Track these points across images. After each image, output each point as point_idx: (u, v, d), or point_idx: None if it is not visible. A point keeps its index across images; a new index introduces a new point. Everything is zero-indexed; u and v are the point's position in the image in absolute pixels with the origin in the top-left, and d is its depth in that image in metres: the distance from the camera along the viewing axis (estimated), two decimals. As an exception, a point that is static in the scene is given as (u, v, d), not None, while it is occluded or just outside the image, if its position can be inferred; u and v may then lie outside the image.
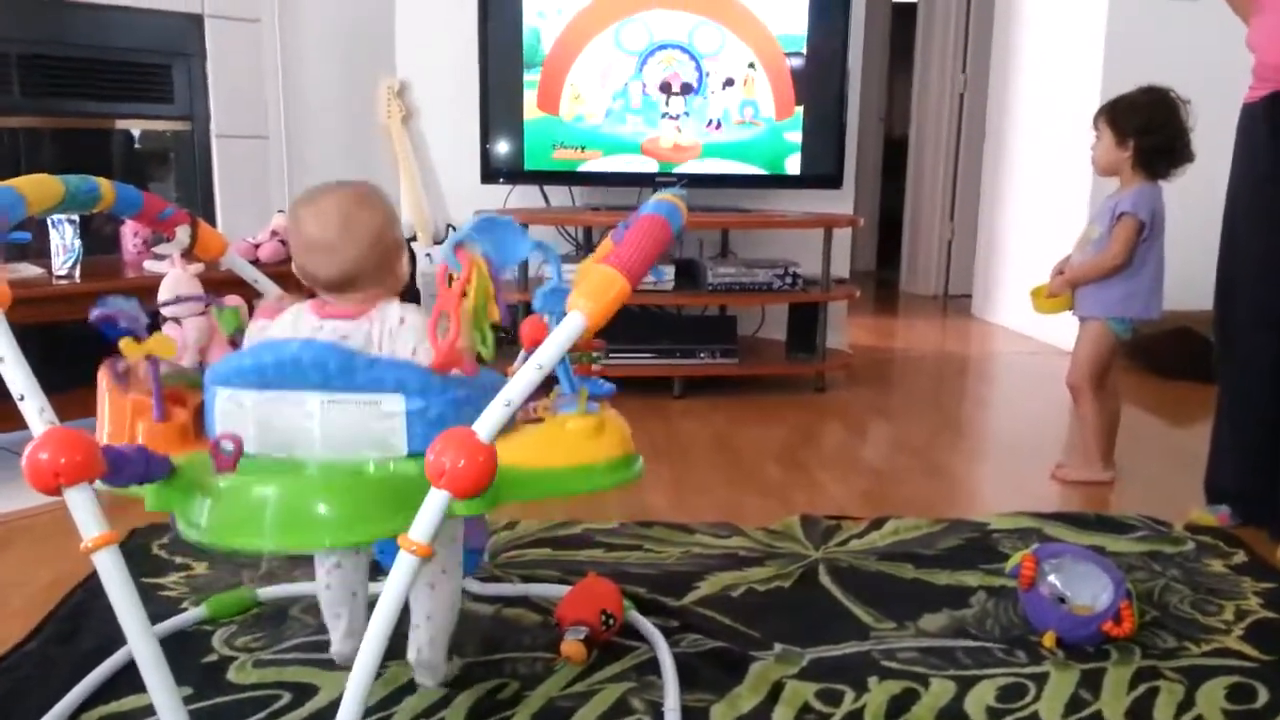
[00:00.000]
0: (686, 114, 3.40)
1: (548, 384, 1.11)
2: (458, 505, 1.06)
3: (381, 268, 1.24)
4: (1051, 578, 1.60)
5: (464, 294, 1.14)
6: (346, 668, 1.23)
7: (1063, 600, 1.58)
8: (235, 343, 1.41)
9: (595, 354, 1.29)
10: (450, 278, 1.16)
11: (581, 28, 3.33)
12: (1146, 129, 2.32)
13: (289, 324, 1.24)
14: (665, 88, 3.38)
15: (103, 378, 1.28)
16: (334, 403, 1.11)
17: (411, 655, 1.37)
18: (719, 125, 3.43)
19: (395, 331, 1.21)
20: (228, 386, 1.15)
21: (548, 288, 1.18)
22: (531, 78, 3.35)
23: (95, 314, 1.26)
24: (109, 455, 1.01)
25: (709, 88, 3.40)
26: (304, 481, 1.11)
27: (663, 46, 3.37)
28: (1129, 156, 2.35)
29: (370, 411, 1.11)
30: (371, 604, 1.09)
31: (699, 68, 3.39)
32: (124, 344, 1.24)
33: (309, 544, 1.23)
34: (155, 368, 1.24)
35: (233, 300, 1.48)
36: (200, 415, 1.23)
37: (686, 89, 3.38)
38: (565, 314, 1.04)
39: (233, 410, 1.14)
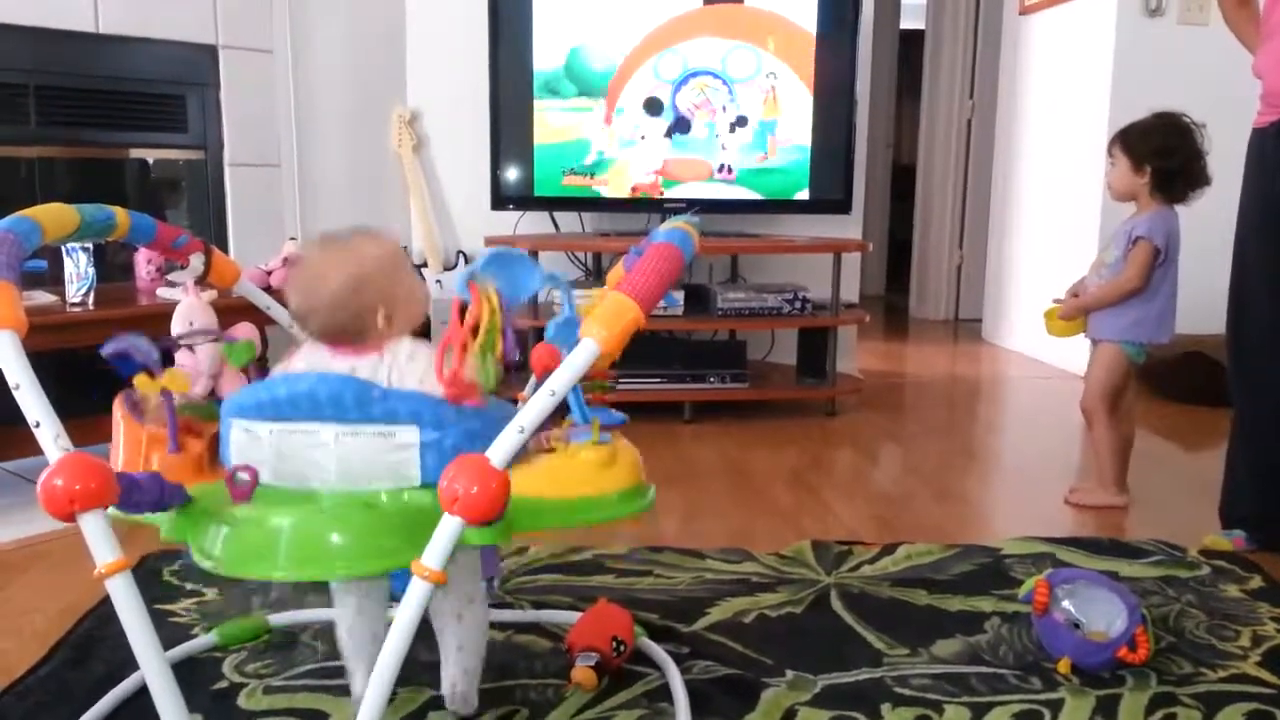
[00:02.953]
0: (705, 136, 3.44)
1: (560, 412, 1.11)
2: (472, 535, 1.06)
3: (357, 322, 1.23)
4: (1066, 603, 1.59)
5: (475, 329, 1.15)
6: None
7: (1077, 626, 1.57)
8: (247, 373, 1.42)
9: (608, 383, 1.29)
10: (464, 310, 1.17)
11: (634, 57, 3.38)
12: (1162, 154, 2.32)
13: (302, 362, 1.25)
14: (682, 126, 3.42)
15: (118, 409, 1.29)
16: (349, 434, 1.12)
17: (446, 689, 1.37)
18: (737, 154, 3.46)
19: (404, 367, 1.22)
20: (243, 418, 1.15)
21: (561, 319, 1.18)
22: (590, 103, 3.39)
23: (108, 349, 1.27)
24: (123, 482, 1.01)
25: (736, 112, 3.43)
26: (318, 513, 1.11)
27: (695, 74, 3.40)
28: (1146, 182, 2.35)
29: (385, 443, 1.12)
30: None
31: (731, 93, 3.41)
32: (139, 380, 1.25)
33: (323, 574, 1.24)
34: (170, 401, 1.25)
35: (244, 331, 1.49)
36: (215, 446, 1.23)
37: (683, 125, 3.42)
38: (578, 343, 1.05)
39: (248, 441, 1.15)
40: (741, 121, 3.43)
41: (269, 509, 1.11)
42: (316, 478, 1.14)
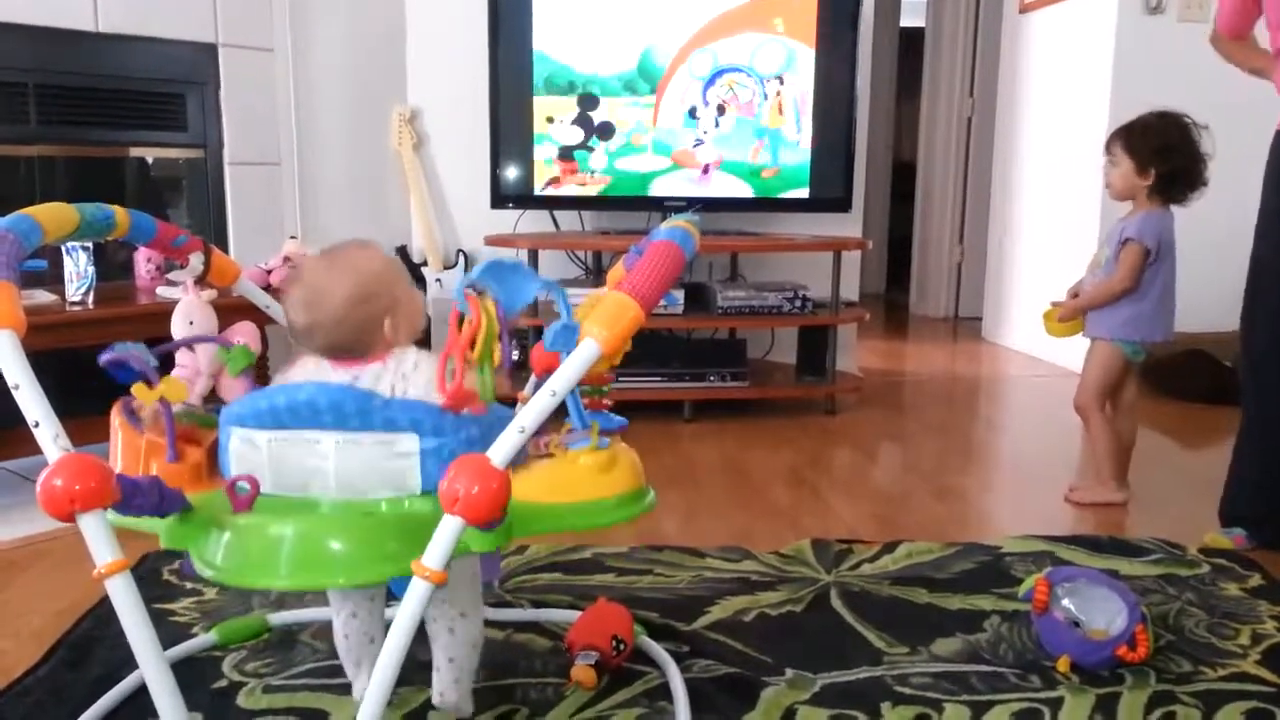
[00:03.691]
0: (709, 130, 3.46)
1: (559, 413, 1.11)
2: (472, 541, 1.06)
3: (363, 335, 1.23)
4: (1065, 602, 1.59)
5: (473, 339, 1.15)
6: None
7: (1077, 624, 1.57)
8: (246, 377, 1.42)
9: (605, 388, 1.29)
10: (462, 319, 1.17)
11: (680, 55, 3.43)
12: (1165, 156, 2.31)
13: (300, 373, 1.26)
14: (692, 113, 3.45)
15: (115, 417, 1.29)
16: (349, 443, 1.12)
17: (435, 698, 1.37)
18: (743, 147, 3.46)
19: (409, 375, 1.22)
20: (242, 427, 1.15)
21: (558, 325, 1.19)
22: (649, 100, 3.42)
23: (105, 359, 1.26)
24: (123, 484, 1.01)
25: (762, 107, 3.45)
26: (319, 521, 1.11)
27: (724, 70, 3.42)
28: (1147, 184, 2.35)
29: (384, 451, 1.12)
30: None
31: (762, 86, 3.43)
32: (137, 389, 1.24)
33: (324, 583, 1.23)
34: (168, 410, 1.25)
35: (244, 331, 1.49)
36: (214, 454, 1.23)
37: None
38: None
39: (247, 450, 1.15)
40: (720, 110, 3.44)
41: (270, 517, 1.10)
42: (316, 486, 1.14)
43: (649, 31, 3.41)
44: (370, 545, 1.08)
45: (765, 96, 3.44)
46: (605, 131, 3.42)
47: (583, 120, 3.41)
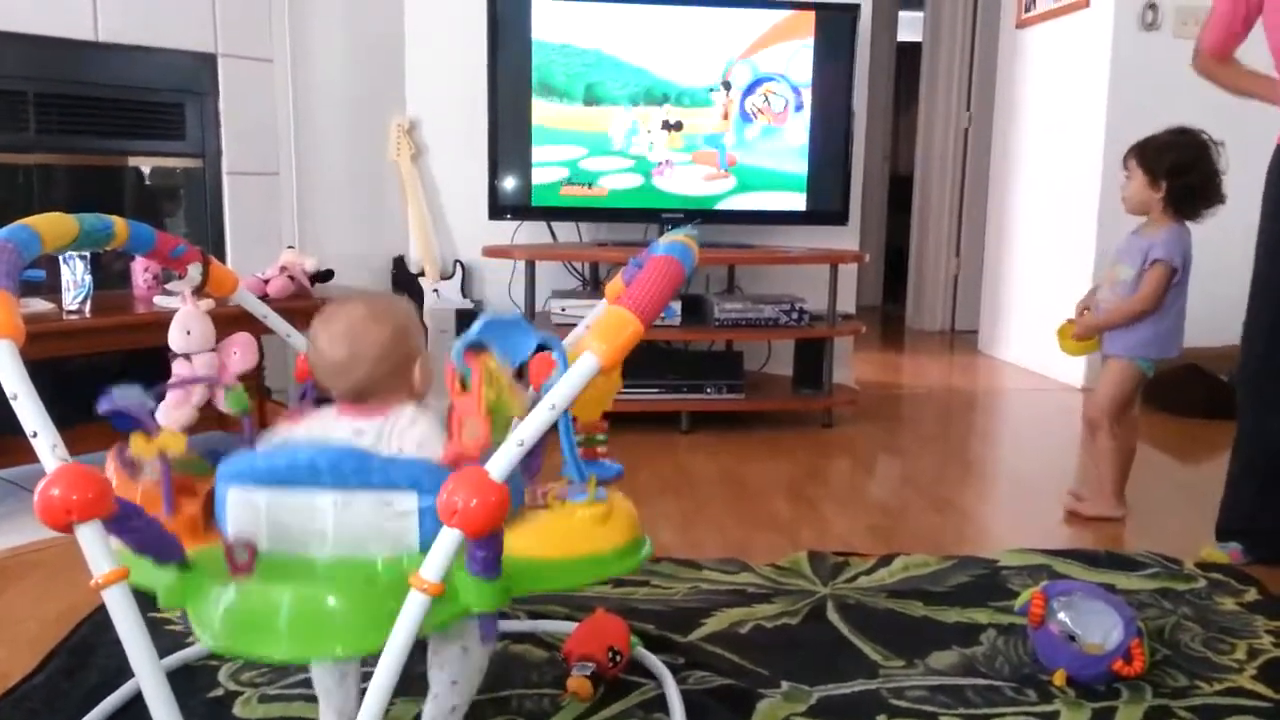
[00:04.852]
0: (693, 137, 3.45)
1: (553, 440, 1.10)
2: (471, 600, 1.06)
3: (394, 378, 1.25)
4: (1062, 615, 1.59)
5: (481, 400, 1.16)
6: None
7: (1073, 638, 1.57)
8: (239, 423, 1.41)
9: (600, 436, 1.29)
10: (462, 381, 1.17)
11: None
12: (1179, 170, 2.32)
13: (312, 426, 1.25)
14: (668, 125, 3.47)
15: (110, 463, 1.28)
16: (347, 502, 1.11)
17: None
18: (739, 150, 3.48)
19: (405, 431, 1.22)
20: (240, 485, 1.14)
21: (555, 379, 1.19)
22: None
23: (104, 408, 1.25)
24: (120, 502, 1.01)
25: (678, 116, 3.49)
26: (318, 589, 1.10)
27: (761, 80, 3.48)
28: (1161, 197, 2.35)
29: (383, 511, 1.11)
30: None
31: (798, 95, 3.48)
32: (134, 442, 1.23)
33: (323, 653, 1.21)
34: (166, 464, 1.24)
35: (241, 343, 1.49)
36: (209, 506, 1.22)
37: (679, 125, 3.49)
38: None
39: (244, 508, 1.14)
40: (677, 126, 3.47)
41: (269, 585, 1.09)
42: (314, 545, 1.12)
43: (646, 44, 3.44)
44: (370, 614, 1.07)
45: (801, 100, 3.48)
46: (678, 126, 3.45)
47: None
